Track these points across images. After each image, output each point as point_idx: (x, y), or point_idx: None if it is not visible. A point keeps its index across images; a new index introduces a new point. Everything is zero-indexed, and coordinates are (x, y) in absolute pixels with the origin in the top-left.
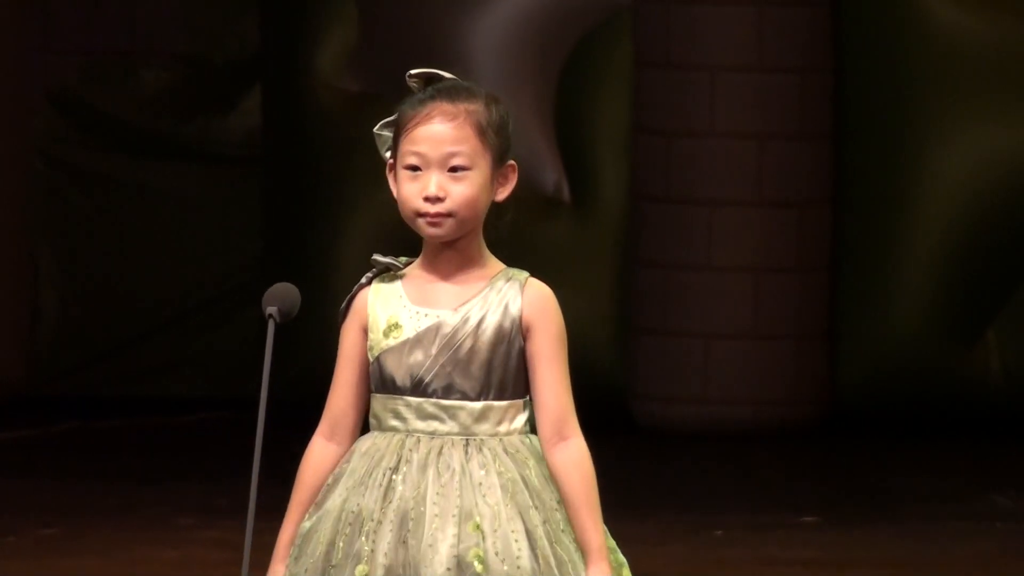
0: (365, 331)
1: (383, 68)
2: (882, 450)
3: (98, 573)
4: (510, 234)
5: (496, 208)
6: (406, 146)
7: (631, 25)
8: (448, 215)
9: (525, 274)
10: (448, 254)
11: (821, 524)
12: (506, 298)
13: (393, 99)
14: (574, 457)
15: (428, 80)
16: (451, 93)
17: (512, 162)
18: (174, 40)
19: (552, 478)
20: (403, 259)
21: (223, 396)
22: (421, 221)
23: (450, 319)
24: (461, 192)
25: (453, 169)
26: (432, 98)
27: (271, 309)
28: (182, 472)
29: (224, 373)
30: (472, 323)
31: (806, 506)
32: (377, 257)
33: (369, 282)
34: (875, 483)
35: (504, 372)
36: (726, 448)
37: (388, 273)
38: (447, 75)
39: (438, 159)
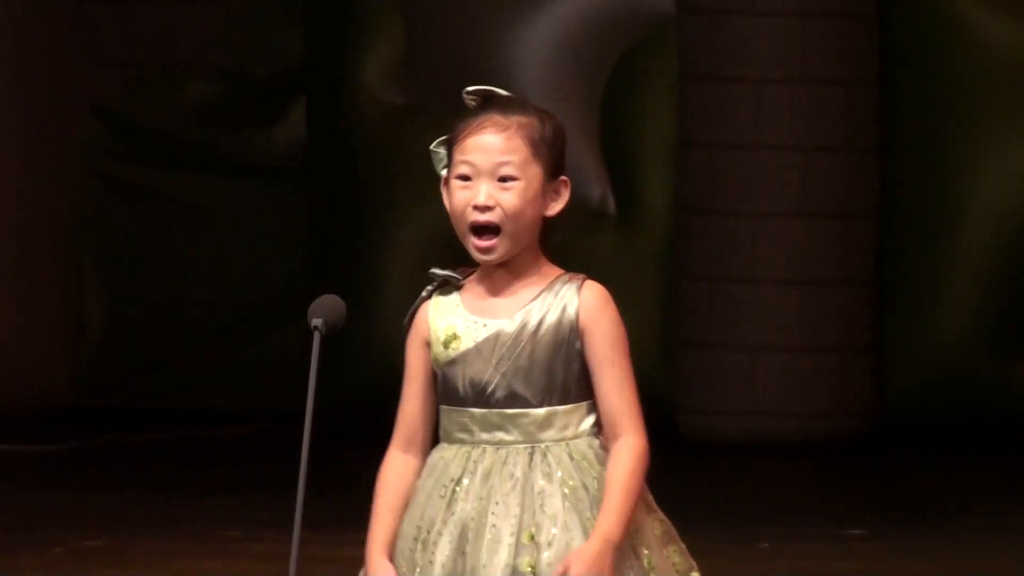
0: (428, 345)
1: (428, 80)
2: (928, 462)
3: None
4: (555, 247)
5: (548, 223)
6: (458, 156)
7: (676, 38)
8: (497, 229)
9: (583, 276)
10: (503, 271)
11: (867, 536)
12: (564, 300)
13: (438, 111)
14: (619, 451)
15: (484, 97)
16: (504, 106)
17: (564, 178)
18: (218, 53)
19: None
20: (460, 269)
21: (268, 409)
22: (471, 242)
23: (508, 327)
24: (509, 201)
25: (503, 179)
26: (485, 110)
27: (317, 321)
28: (227, 485)
29: (269, 386)
30: (531, 328)
31: (852, 518)
32: (435, 271)
33: (429, 295)
34: (921, 495)
35: (566, 375)
36: (772, 460)
37: (447, 286)
38: (503, 92)
39: (488, 168)
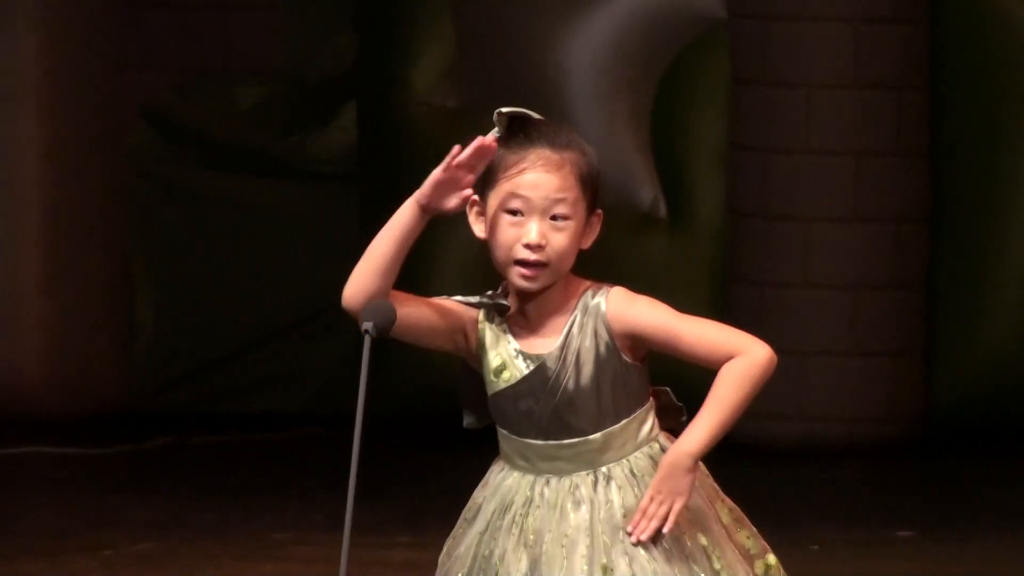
0: (464, 331)
1: (480, 84)
2: (978, 466)
3: None
4: (606, 251)
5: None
6: (508, 189)
7: (728, 41)
8: (545, 265)
9: (602, 293)
10: (537, 298)
11: (917, 539)
12: (595, 323)
13: (490, 116)
14: (731, 364)
15: (513, 119)
16: (552, 140)
17: (599, 211)
18: (269, 57)
19: None
20: (489, 293)
21: (318, 412)
22: (514, 271)
23: (550, 362)
24: (560, 242)
25: (555, 217)
26: (533, 144)
27: (367, 325)
28: (277, 488)
29: (319, 389)
30: (571, 361)
31: (902, 521)
32: (483, 299)
33: (478, 307)
34: (970, 498)
35: (614, 395)
36: (822, 464)
37: (493, 313)
38: (535, 115)
39: (542, 207)
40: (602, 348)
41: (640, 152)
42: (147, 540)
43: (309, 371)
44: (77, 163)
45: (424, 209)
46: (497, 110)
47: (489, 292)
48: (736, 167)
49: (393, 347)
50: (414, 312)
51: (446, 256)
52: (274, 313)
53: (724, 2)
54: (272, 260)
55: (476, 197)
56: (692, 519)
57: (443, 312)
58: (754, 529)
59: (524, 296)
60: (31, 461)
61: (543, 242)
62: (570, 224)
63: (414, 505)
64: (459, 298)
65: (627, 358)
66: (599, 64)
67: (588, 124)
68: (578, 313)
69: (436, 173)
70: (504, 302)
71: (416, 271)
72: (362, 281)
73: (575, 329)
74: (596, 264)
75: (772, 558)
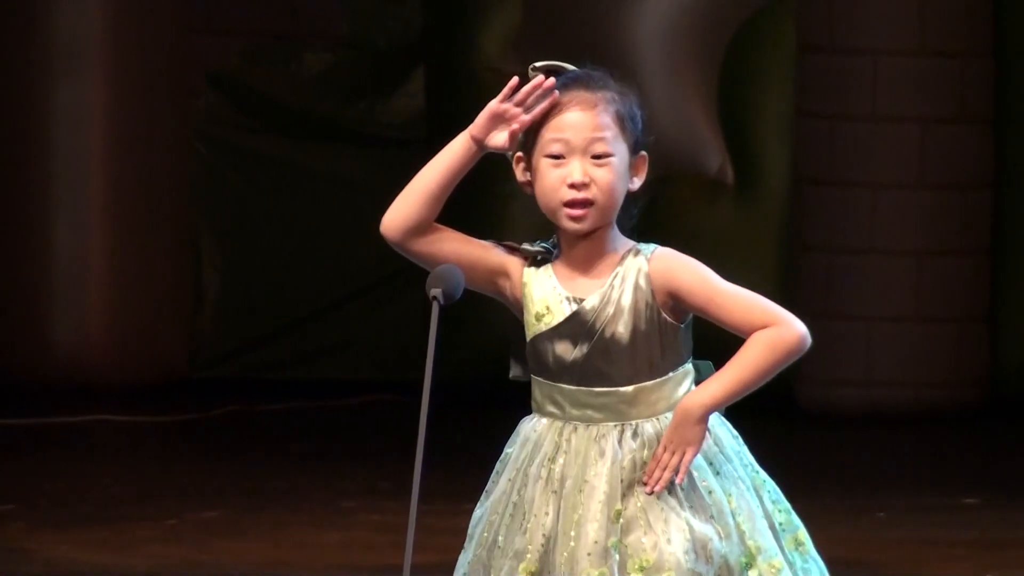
0: (507, 272)
1: (547, 50)
2: None
3: (260, 556)
4: (675, 217)
5: (630, 197)
6: (547, 135)
7: (794, 9)
8: (591, 203)
9: (651, 248)
10: (585, 243)
11: (981, 506)
12: (637, 277)
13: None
14: (762, 332)
15: (550, 72)
16: (587, 82)
17: (644, 153)
18: (336, 23)
19: None
20: (537, 241)
21: (386, 379)
22: (562, 213)
23: (590, 307)
24: (604, 178)
25: (596, 156)
26: (567, 87)
27: (435, 291)
28: (345, 455)
29: (387, 356)
30: (610, 310)
31: (967, 488)
32: (527, 246)
33: (525, 257)
34: None
35: (650, 351)
36: (888, 431)
37: (540, 259)
38: (570, 67)
39: (582, 145)
40: (642, 303)
41: (707, 120)
42: (212, 508)
43: (377, 338)
44: (143, 129)
45: (476, 141)
46: (532, 65)
47: (537, 240)
48: (802, 134)
49: (460, 314)
50: (455, 247)
51: (519, 209)
52: (341, 280)
53: None
54: (339, 226)
55: (520, 154)
56: (716, 475)
57: (485, 251)
58: (788, 505)
59: (572, 242)
60: (97, 429)
61: (587, 179)
62: (611, 161)
63: (482, 473)
64: (506, 243)
65: (667, 316)
66: (665, 32)
67: (655, 92)
68: (624, 266)
69: (492, 104)
70: (549, 246)
71: (489, 224)
72: (404, 208)
73: (618, 280)
74: (665, 230)
75: (803, 534)
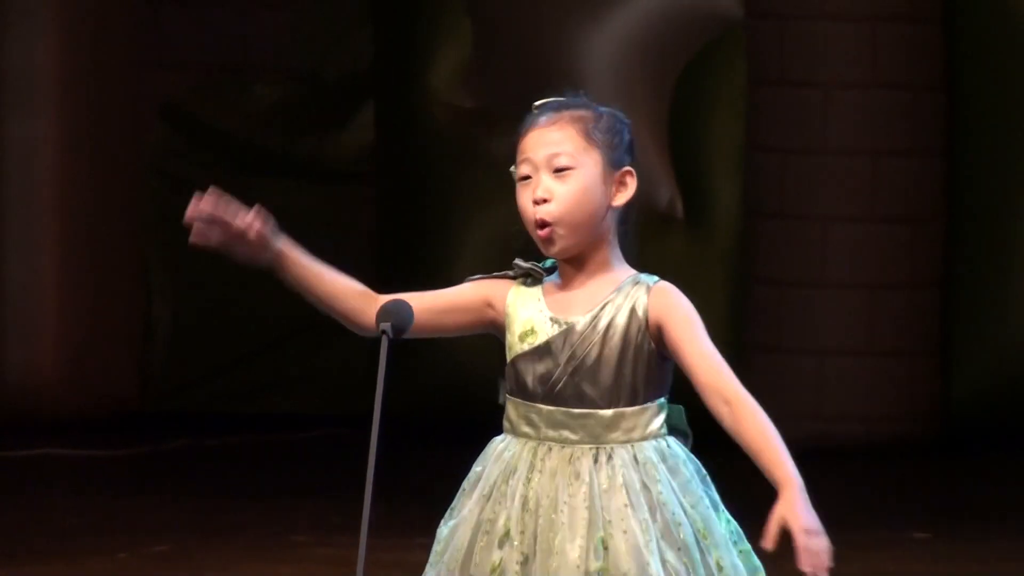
0: (489, 303)
1: (496, 83)
2: (995, 466)
3: None
4: (624, 250)
5: (615, 215)
6: (518, 158)
7: (745, 41)
8: (554, 223)
9: (655, 278)
10: (575, 265)
11: (933, 540)
12: (633, 301)
13: (506, 114)
14: (743, 414)
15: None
16: (556, 105)
17: (629, 168)
18: (287, 56)
19: (737, 443)
20: (541, 264)
21: (335, 413)
22: (536, 236)
23: (579, 326)
24: (564, 191)
25: (557, 170)
26: (540, 112)
27: (385, 325)
28: (295, 489)
29: (336, 390)
30: (600, 329)
31: (918, 522)
32: (519, 262)
33: (513, 278)
34: (987, 499)
35: (634, 377)
36: (839, 464)
37: (530, 278)
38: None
39: (543, 161)
40: (634, 328)
41: (657, 152)
42: (163, 542)
43: (327, 372)
44: (94, 162)
45: (269, 249)
46: (535, 103)
47: (519, 260)
48: (753, 167)
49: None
50: (432, 305)
51: (473, 241)
52: (291, 314)
53: (741, 2)
54: None
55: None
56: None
57: (459, 294)
58: (749, 546)
59: (566, 266)
60: (47, 462)
61: (547, 195)
62: (574, 173)
63: (433, 506)
64: (492, 274)
65: (655, 347)
66: (615, 64)
67: None
68: (621, 292)
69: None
70: (537, 267)
71: (443, 257)
72: (345, 320)
73: (611, 305)
74: None
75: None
